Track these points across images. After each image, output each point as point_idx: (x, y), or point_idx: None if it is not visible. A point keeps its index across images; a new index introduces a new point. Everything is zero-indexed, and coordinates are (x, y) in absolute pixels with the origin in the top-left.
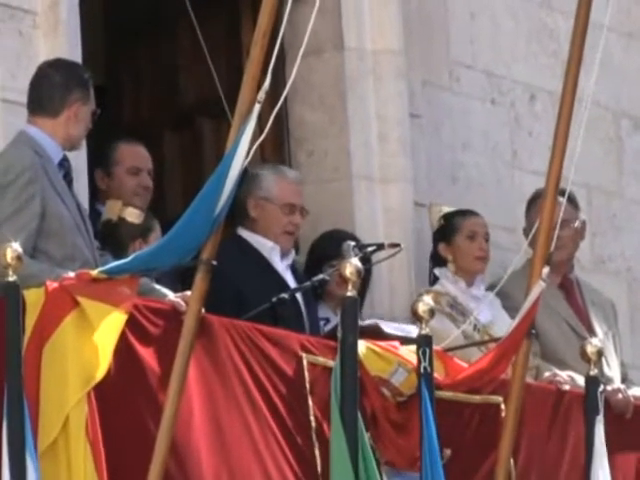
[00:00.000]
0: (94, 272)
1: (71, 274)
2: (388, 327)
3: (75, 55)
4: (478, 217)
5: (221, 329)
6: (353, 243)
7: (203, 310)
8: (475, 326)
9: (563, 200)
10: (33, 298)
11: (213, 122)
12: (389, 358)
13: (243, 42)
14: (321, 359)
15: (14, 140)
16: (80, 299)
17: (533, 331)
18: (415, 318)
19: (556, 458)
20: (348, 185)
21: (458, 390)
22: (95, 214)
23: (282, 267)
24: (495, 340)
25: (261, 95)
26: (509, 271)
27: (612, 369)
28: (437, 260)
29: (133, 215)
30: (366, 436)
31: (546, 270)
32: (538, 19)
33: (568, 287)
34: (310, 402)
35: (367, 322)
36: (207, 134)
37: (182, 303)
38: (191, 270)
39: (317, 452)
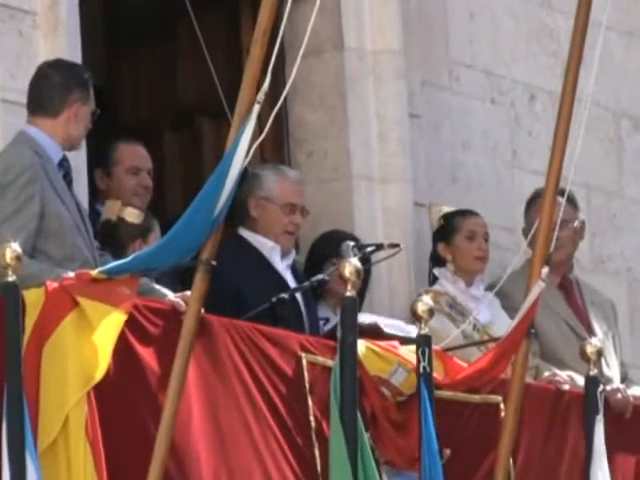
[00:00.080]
0: (94, 272)
1: (71, 274)
2: (387, 326)
3: (75, 55)
4: (477, 217)
5: (221, 329)
6: (352, 243)
7: (203, 310)
8: (474, 326)
9: (562, 200)
10: (33, 298)
11: (213, 122)
12: (389, 358)
13: (243, 42)
14: (320, 359)
15: (14, 140)
16: (80, 299)
17: (532, 331)
18: (414, 318)
19: (555, 458)
20: (348, 185)
21: (457, 390)
22: (95, 214)
23: (282, 267)
24: (494, 340)
25: (261, 96)
26: (508, 271)
27: (611, 369)
28: (437, 260)
29: (132, 215)
30: (366, 436)
31: (545, 270)
32: (538, 19)
33: (567, 287)
34: (310, 402)
35: (367, 321)
36: (207, 134)
37: (182, 303)
38: (191, 270)
39: (317, 452)
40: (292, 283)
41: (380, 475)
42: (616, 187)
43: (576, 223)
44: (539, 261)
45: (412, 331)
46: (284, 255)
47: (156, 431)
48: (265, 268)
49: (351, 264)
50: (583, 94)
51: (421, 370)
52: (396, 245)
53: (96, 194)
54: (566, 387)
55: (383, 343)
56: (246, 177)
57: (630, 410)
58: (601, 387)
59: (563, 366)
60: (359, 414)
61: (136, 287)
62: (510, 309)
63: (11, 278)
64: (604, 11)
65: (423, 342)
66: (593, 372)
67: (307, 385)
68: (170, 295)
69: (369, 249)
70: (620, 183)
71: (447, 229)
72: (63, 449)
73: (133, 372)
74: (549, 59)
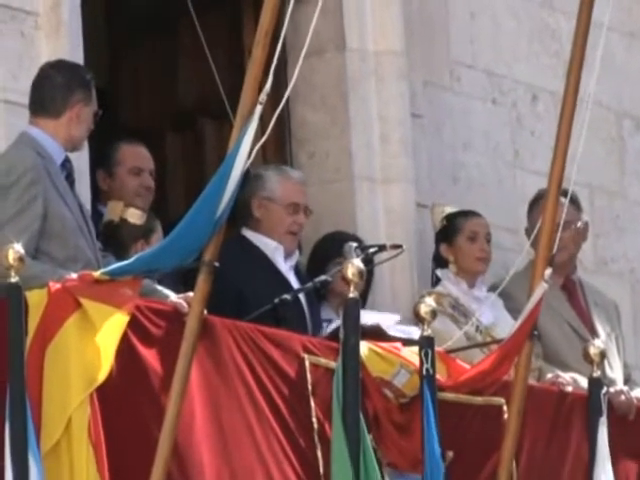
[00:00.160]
0: (96, 273)
1: (73, 275)
2: (390, 327)
3: (77, 56)
4: (480, 218)
5: (223, 330)
6: (355, 244)
7: (205, 311)
8: (477, 327)
9: (565, 201)
10: (35, 299)
11: (215, 123)
12: (391, 359)
13: (245, 42)
14: (323, 360)
15: (16, 141)
16: (82, 300)
17: (535, 333)
18: (417, 319)
19: (558, 460)
20: (350, 186)
21: (460, 392)
22: (97, 215)
23: (285, 268)
24: (497, 342)
25: (263, 96)
26: (511, 272)
27: (615, 370)
28: (439, 261)
29: (135, 216)
30: (368, 437)
31: (548, 271)
32: (540, 19)
33: (571, 288)
34: (312, 403)
35: (370, 322)
36: (209, 135)
37: (184, 304)
38: (193, 271)
39: (319, 453)
40: (295, 284)
41: (382, 477)
42: (618, 187)
43: (579, 224)
44: (542, 262)
45: (415, 333)
46: (287, 256)
47: (159, 433)
48: (268, 269)
49: (354, 265)
50: (585, 94)
51: (424, 372)
52: (398, 246)
53: (98, 195)
54: (569, 389)
55: (386, 344)
56: (248, 178)
57: (633, 412)
58: (604, 389)
59: (566, 368)
60: (362, 416)
61: (138, 288)
62: (513, 310)
63: (14, 279)
64: (606, 12)
65: (426, 344)
66: (596, 374)
67: (310, 386)
68: (172, 296)
69: (372, 250)
70: (622, 183)
71: (449, 230)
72: (66, 451)
73: (136, 373)
74: (551, 59)
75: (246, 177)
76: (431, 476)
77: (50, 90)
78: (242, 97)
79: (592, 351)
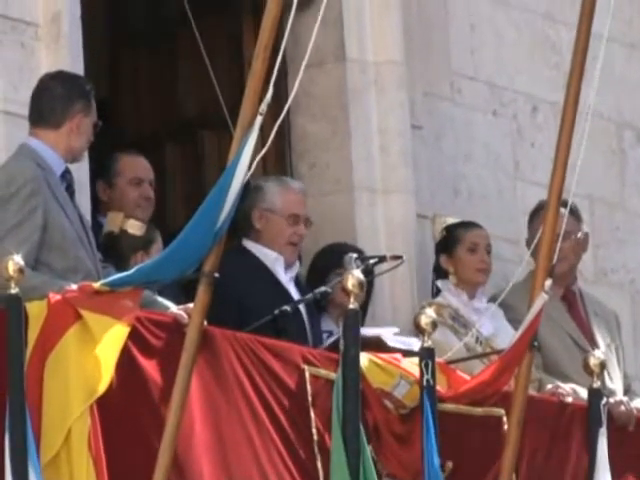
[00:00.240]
0: (96, 285)
1: (73, 286)
2: (390, 338)
3: (77, 67)
4: (480, 229)
5: (223, 341)
6: (355, 255)
7: (205, 322)
8: (477, 338)
9: (565, 212)
10: (35, 311)
11: (215, 134)
12: (391, 371)
13: (245, 54)
14: (323, 371)
15: (16, 153)
16: (83, 312)
17: (535, 344)
18: (418, 331)
19: (558, 470)
20: (350, 197)
21: (460, 403)
22: (97, 226)
23: (286, 279)
24: (497, 352)
25: (263, 107)
26: (511, 283)
27: (614, 381)
28: (440, 272)
29: (135, 227)
30: (368, 449)
31: (548, 282)
32: (540, 31)
33: (571, 299)
34: (312, 414)
35: (370, 333)
36: (209, 146)
37: (184, 315)
38: (194, 282)
39: (319, 464)
40: (295, 295)
41: None
42: (619, 199)
43: (579, 235)
44: (542, 273)
45: (415, 344)
46: (288, 267)
47: (159, 443)
48: (268, 280)
49: (354, 276)
50: (585, 106)
51: (424, 383)
52: (398, 257)
53: (98, 206)
54: (569, 400)
55: (385, 355)
56: (248, 189)
57: (633, 422)
58: (604, 399)
59: (566, 379)
60: (361, 426)
61: (139, 299)
62: (514, 321)
63: (14, 290)
64: (606, 23)
65: (426, 355)
66: (596, 384)
67: (310, 398)
68: (173, 307)
69: (372, 261)
70: (623, 195)
71: (449, 241)
72: (66, 462)
73: (136, 385)
74: (551, 71)
75: (246, 188)
76: None
77: (50, 101)
78: (242, 108)
79: (592, 362)
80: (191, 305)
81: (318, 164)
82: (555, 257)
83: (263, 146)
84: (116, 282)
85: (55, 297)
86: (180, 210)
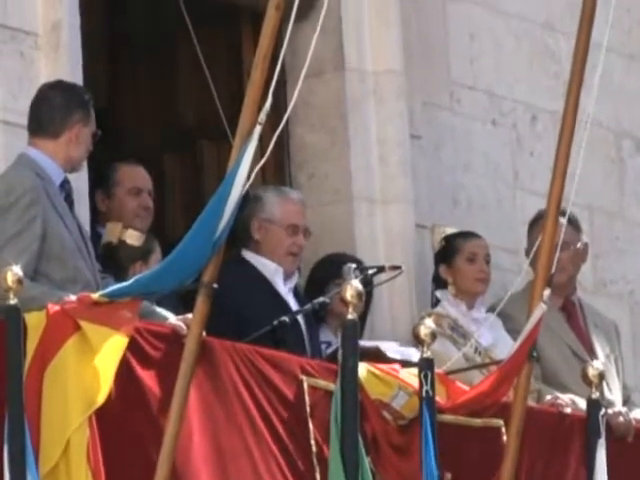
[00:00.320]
0: (95, 295)
1: (72, 297)
2: (389, 349)
3: (76, 77)
4: (479, 239)
5: (222, 352)
6: (354, 265)
7: (204, 333)
8: (476, 349)
9: (564, 222)
10: (34, 321)
11: (214, 144)
12: (390, 381)
13: (244, 64)
14: (322, 382)
15: (15, 162)
16: (81, 322)
17: (534, 354)
18: (417, 341)
19: None
20: (349, 207)
21: (459, 413)
22: (96, 236)
23: (285, 290)
24: (496, 363)
25: (262, 116)
26: (509, 293)
27: (613, 392)
28: (439, 282)
29: (133, 237)
30: (366, 460)
31: (547, 292)
32: (540, 40)
33: (570, 309)
34: (311, 426)
35: (368, 344)
36: (208, 156)
37: (183, 326)
38: (192, 293)
39: (318, 476)
40: (294, 306)
41: None
42: (618, 208)
43: (578, 245)
44: (541, 283)
45: (414, 355)
46: (287, 278)
47: (157, 455)
48: (267, 291)
49: (353, 287)
50: (584, 115)
51: (423, 394)
52: (397, 267)
53: (97, 216)
54: (568, 410)
55: (384, 366)
56: (247, 199)
57: (632, 433)
58: (603, 410)
59: (565, 389)
60: (360, 438)
61: (137, 310)
62: (512, 331)
63: (12, 301)
64: (605, 33)
65: (426, 365)
66: (595, 395)
67: (308, 409)
68: (171, 318)
69: (370, 271)
70: (622, 204)
71: (448, 251)
72: (64, 473)
73: (134, 396)
74: (550, 80)
75: (245, 198)
76: None
77: (49, 111)
78: (241, 118)
79: (591, 372)
80: (190, 316)
81: (317, 174)
82: (554, 267)
83: (262, 156)
84: (115, 293)
85: (54, 308)
86: (179, 220)
